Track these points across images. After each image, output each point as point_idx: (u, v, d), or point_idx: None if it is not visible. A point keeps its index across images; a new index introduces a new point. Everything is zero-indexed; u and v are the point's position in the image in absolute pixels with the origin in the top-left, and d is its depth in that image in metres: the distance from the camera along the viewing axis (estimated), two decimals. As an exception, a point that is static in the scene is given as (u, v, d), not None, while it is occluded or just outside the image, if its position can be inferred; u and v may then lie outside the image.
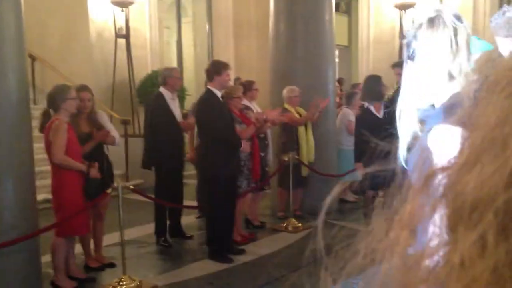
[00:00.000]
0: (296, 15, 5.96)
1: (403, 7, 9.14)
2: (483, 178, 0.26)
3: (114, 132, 4.45)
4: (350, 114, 6.16)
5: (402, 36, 9.30)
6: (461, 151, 0.29)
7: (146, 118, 5.16)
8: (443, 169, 0.29)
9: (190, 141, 5.58)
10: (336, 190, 0.43)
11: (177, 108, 5.16)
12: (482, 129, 0.28)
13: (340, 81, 9.94)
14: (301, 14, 5.93)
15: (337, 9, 9.30)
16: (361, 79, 10.12)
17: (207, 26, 10.77)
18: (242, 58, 10.70)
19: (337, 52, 9.56)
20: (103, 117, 4.52)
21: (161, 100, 4.95)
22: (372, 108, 4.89)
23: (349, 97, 6.50)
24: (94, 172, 3.89)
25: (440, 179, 0.29)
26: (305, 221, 5.50)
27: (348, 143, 5.95)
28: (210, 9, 10.61)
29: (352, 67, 12.43)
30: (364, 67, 10.21)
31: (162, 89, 5.02)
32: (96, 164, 3.96)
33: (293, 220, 5.48)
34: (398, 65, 4.95)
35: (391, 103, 4.51)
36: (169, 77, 5.04)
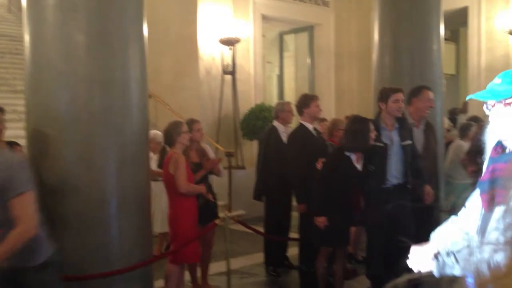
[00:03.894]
0: (401, 47, 5.84)
1: (518, 33, 8.60)
2: None
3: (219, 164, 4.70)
4: (464, 147, 5.85)
5: (517, 63, 8.73)
6: None
7: (260, 151, 5.35)
8: None
9: None
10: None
11: None
12: None
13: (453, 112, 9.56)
14: (407, 46, 5.81)
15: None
16: (471, 109, 9.59)
17: (308, 59, 10.93)
18: (343, 89, 10.67)
19: (444, 81, 9.18)
20: (208, 149, 4.77)
21: (274, 133, 5.12)
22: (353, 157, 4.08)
23: (464, 129, 6.20)
24: (210, 195, 4.20)
25: None
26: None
27: (460, 176, 5.69)
28: (312, 43, 10.77)
29: (460, 97, 11.83)
30: (475, 96, 9.67)
31: (275, 123, 5.21)
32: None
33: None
34: None
35: None
36: (281, 111, 5.24)
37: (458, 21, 9.93)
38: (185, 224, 3.97)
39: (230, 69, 8.53)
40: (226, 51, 8.53)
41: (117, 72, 3.40)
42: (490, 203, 1.71)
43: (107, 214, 3.38)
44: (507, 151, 1.73)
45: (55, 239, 3.31)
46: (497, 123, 1.70)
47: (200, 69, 8.49)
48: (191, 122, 4.52)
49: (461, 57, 12.03)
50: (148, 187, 3.72)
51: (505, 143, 1.74)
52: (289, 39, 11.73)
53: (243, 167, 8.45)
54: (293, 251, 5.43)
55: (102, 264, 3.30)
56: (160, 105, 8.46)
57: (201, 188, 4.14)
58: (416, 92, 4.51)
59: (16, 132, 5.24)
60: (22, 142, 3.60)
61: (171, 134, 4.14)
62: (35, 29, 3.38)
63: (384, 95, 4.19)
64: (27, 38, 3.41)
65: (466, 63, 10.29)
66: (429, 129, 4.59)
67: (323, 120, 5.55)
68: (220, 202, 5.94)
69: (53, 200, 3.34)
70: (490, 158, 1.77)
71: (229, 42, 8.43)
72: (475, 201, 1.83)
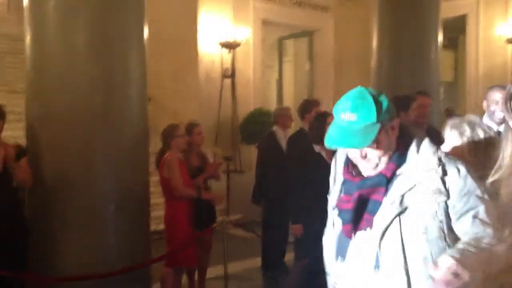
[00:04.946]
0: (400, 54, 5.88)
1: (516, 42, 8.66)
2: None
3: None
4: None
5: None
6: None
7: (258, 155, 5.36)
8: None
9: None
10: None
11: None
12: None
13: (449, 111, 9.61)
14: (405, 53, 5.85)
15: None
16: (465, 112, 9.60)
17: (308, 64, 10.96)
18: (342, 94, 10.68)
19: (441, 89, 9.24)
20: (207, 154, 4.78)
21: (272, 138, 5.15)
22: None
23: None
24: (206, 195, 4.16)
25: None
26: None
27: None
28: (311, 48, 10.81)
29: (458, 104, 11.88)
30: (473, 103, 9.71)
31: (274, 128, 5.23)
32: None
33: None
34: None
35: None
36: (280, 115, 5.26)
37: (457, 29, 9.97)
38: (181, 227, 3.97)
39: (229, 73, 8.55)
40: (226, 55, 8.55)
41: (118, 74, 3.41)
42: (352, 230, 1.63)
43: (105, 215, 3.39)
44: (364, 174, 1.63)
45: (54, 239, 3.33)
46: (367, 158, 1.59)
47: (199, 73, 8.50)
48: (192, 126, 4.51)
49: (459, 65, 12.08)
50: (147, 189, 3.73)
51: (372, 169, 1.62)
52: (289, 44, 11.76)
53: (241, 171, 8.45)
54: (290, 256, 5.42)
55: (100, 265, 3.29)
56: (159, 107, 8.46)
57: (194, 194, 4.10)
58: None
59: (15, 132, 5.23)
60: (22, 143, 3.60)
61: (166, 137, 4.16)
62: (36, 30, 3.39)
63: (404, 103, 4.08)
64: (28, 39, 3.42)
65: (464, 71, 10.33)
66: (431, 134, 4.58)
67: None
68: (218, 206, 5.95)
69: (52, 200, 3.34)
70: (350, 182, 1.65)
71: (229, 46, 8.45)
72: (331, 227, 1.76)
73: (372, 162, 1.60)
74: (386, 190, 1.59)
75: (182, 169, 4.08)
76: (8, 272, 3.17)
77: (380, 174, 1.60)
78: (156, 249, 3.96)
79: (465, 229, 1.57)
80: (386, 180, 1.59)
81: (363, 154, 1.59)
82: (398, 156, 1.61)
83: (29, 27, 3.41)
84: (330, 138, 1.58)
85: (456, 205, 1.57)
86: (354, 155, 1.61)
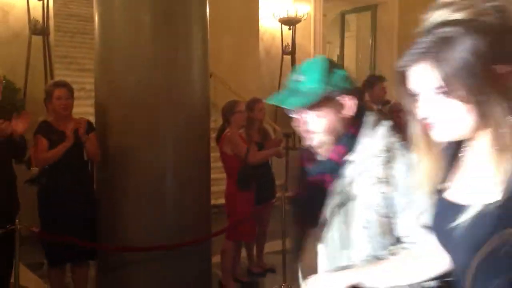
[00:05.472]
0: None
1: None
2: None
3: None
4: None
5: None
6: None
7: None
8: None
9: None
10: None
11: None
12: None
13: None
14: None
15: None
16: None
17: (370, 40, 10.65)
18: (406, 71, 10.33)
19: None
20: (268, 130, 4.79)
21: None
22: None
23: None
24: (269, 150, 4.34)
25: None
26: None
27: None
28: (375, 22, 10.47)
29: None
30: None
31: None
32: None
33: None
34: None
35: None
36: None
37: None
38: (241, 202, 4.04)
39: (289, 49, 8.49)
40: (286, 31, 8.49)
41: (181, 52, 3.48)
42: (304, 221, 1.51)
43: (167, 189, 3.50)
44: (320, 158, 1.50)
45: (119, 213, 3.49)
46: (309, 129, 1.46)
47: (260, 49, 8.50)
48: (254, 102, 4.51)
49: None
50: (208, 164, 3.81)
51: (317, 148, 1.50)
52: (351, 18, 11.46)
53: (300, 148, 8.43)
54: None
55: (162, 237, 3.43)
56: (220, 84, 8.56)
57: (271, 151, 4.25)
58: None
59: (85, 109, 5.50)
60: (91, 119, 3.78)
61: (225, 114, 4.21)
62: (104, 10, 3.52)
63: None
64: (97, 19, 3.55)
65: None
66: None
67: (387, 102, 5.36)
68: (277, 182, 6.00)
69: (117, 175, 3.50)
70: (307, 169, 1.54)
71: (290, 22, 8.38)
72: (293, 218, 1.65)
73: (312, 134, 1.47)
74: (337, 178, 1.46)
75: (242, 141, 4.14)
76: (81, 241, 3.38)
77: (329, 160, 1.48)
78: (216, 223, 4.07)
79: (401, 227, 1.39)
80: (334, 166, 1.46)
81: (303, 120, 1.47)
82: (350, 139, 1.46)
83: (97, 8, 3.54)
84: (273, 97, 1.50)
85: (398, 198, 1.39)
86: (297, 123, 1.50)
